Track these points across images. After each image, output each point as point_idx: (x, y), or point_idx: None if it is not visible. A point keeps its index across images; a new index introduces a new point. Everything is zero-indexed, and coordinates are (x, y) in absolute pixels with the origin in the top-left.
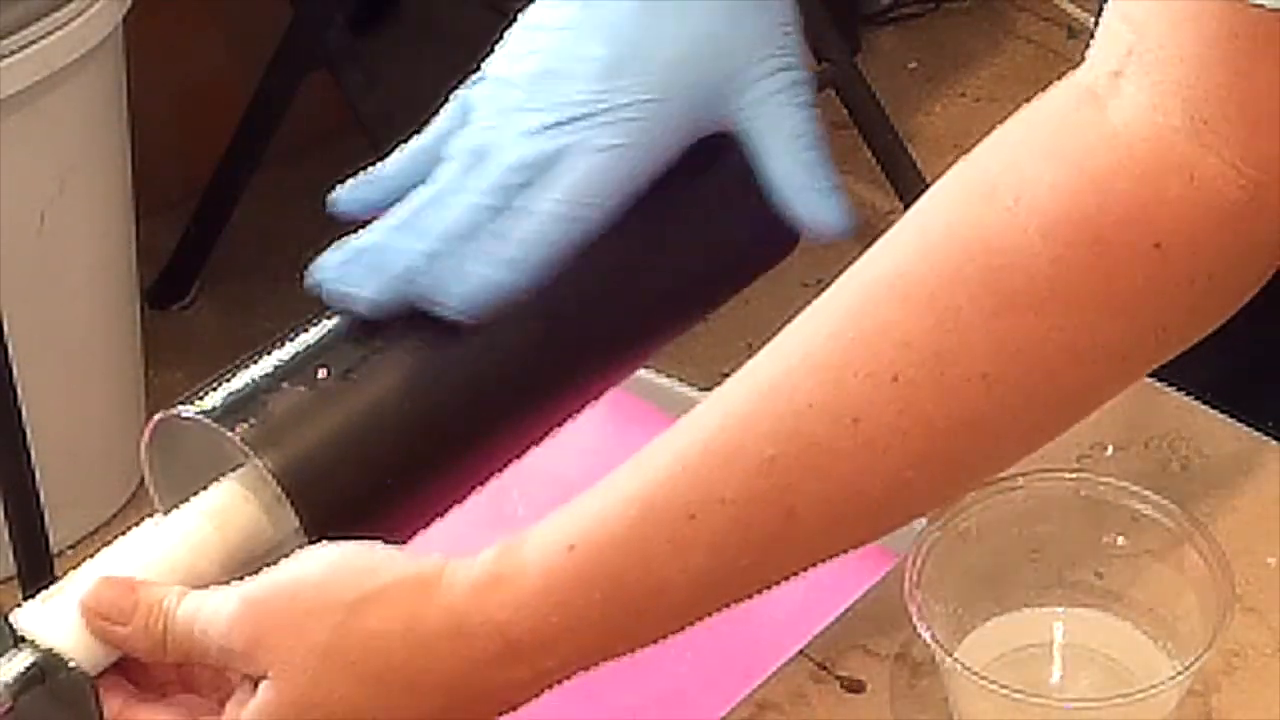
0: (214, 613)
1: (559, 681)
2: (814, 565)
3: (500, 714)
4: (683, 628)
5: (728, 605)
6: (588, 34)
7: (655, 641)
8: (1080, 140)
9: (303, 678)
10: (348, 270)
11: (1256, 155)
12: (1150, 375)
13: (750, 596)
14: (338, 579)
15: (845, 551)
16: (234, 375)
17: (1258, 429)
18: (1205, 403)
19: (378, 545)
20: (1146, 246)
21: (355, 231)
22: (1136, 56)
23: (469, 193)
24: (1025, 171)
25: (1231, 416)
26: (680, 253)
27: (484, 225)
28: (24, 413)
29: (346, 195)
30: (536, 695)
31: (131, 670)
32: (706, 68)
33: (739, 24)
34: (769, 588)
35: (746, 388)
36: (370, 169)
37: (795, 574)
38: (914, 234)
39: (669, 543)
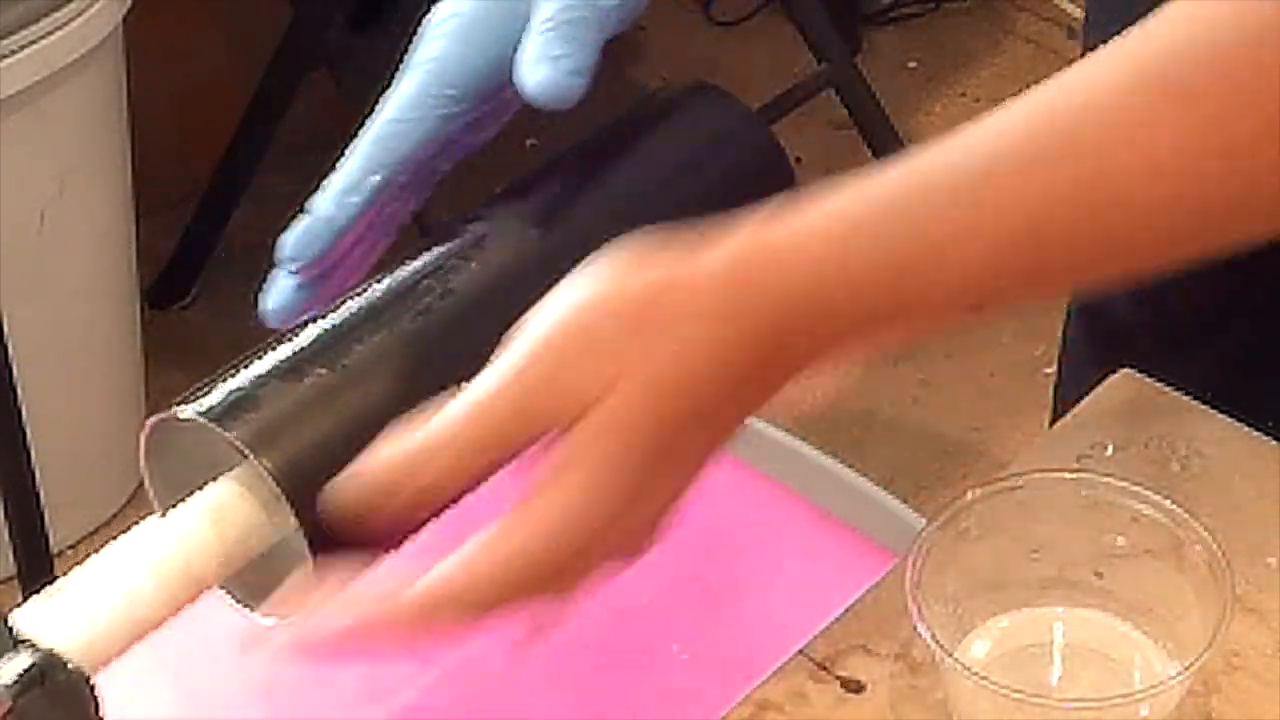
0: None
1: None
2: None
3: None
4: (943, 308)
5: (1006, 292)
6: None
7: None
8: None
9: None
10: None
11: None
12: (1150, 374)
13: (1028, 284)
14: (608, 275)
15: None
16: (231, 375)
17: (1258, 429)
18: (1205, 403)
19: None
20: None
21: None
22: None
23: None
24: None
25: (1231, 416)
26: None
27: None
28: (24, 413)
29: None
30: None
31: None
32: None
33: None
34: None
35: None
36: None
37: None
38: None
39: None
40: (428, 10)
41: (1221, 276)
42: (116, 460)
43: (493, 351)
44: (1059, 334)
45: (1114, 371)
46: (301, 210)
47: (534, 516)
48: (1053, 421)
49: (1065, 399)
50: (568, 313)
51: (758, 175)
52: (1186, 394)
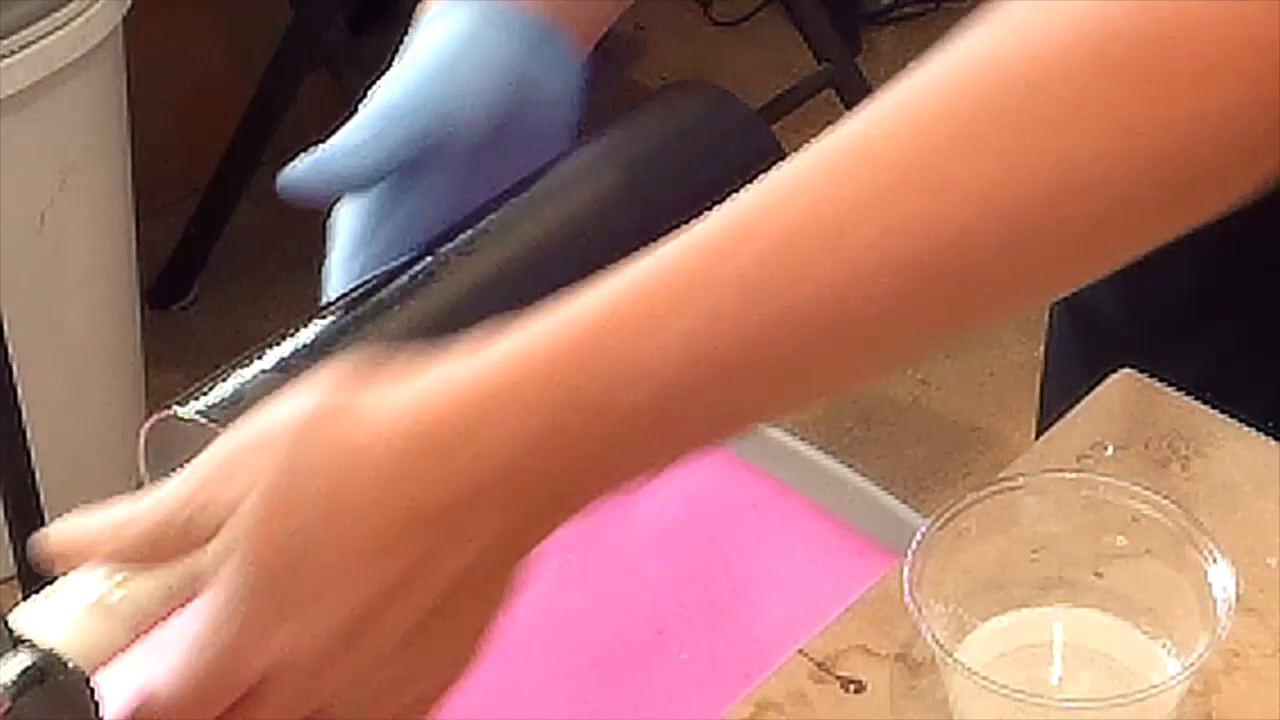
0: (174, 482)
1: (559, 505)
2: (797, 390)
3: (506, 526)
4: (649, 450)
5: (693, 434)
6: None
7: (623, 468)
8: None
9: (268, 500)
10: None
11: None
12: (1144, 370)
13: (724, 423)
14: (287, 405)
15: (836, 382)
16: (230, 374)
17: (1248, 424)
18: (1201, 400)
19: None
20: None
21: None
22: None
23: None
24: None
25: (1222, 411)
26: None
27: None
28: (24, 413)
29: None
30: (543, 512)
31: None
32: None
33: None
34: (745, 417)
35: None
36: None
37: (772, 402)
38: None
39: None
40: None
41: (1205, 272)
42: (116, 460)
43: None
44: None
45: (1103, 369)
46: (301, 211)
47: (189, 632)
48: (1040, 420)
49: (1051, 396)
50: (250, 427)
51: (757, 173)
52: (1180, 389)
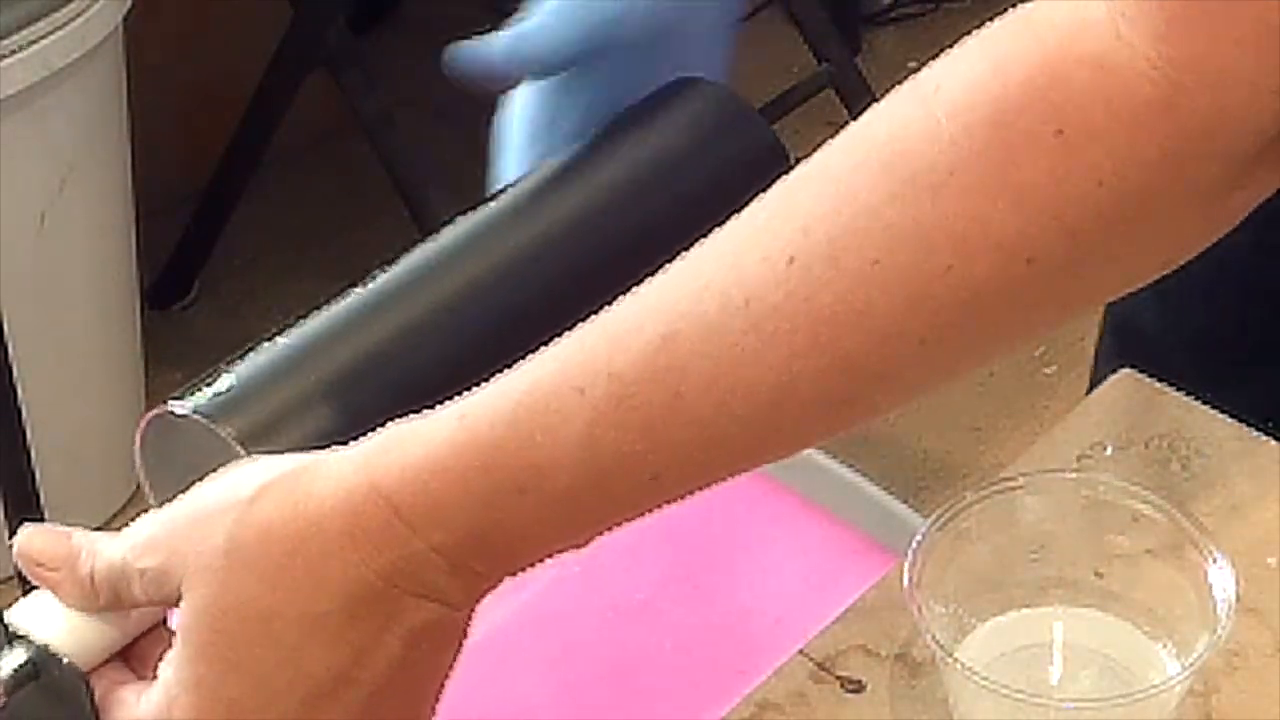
0: (131, 545)
1: (483, 586)
2: (700, 478)
3: (432, 613)
4: (575, 532)
5: (617, 512)
6: None
7: (553, 545)
8: (1002, 33)
9: (211, 586)
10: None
11: (1170, 52)
12: (1134, 366)
13: (638, 504)
14: (235, 482)
15: (732, 470)
16: (227, 371)
17: (1257, 427)
18: (1200, 399)
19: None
20: (1047, 133)
21: None
22: None
23: None
24: (949, 65)
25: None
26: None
27: None
28: (24, 413)
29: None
30: (466, 598)
31: (131, 659)
32: None
33: None
34: (656, 499)
35: (664, 271)
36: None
37: (681, 485)
38: (844, 131)
39: (553, 413)
40: (428, 11)
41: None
42: (116, 460)
43: (490, 353)
44: (1060, 335)
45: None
46: (300, 211)
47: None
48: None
49: None
50: (194, 499)
51: (758, 172)
52: (1173, 385)
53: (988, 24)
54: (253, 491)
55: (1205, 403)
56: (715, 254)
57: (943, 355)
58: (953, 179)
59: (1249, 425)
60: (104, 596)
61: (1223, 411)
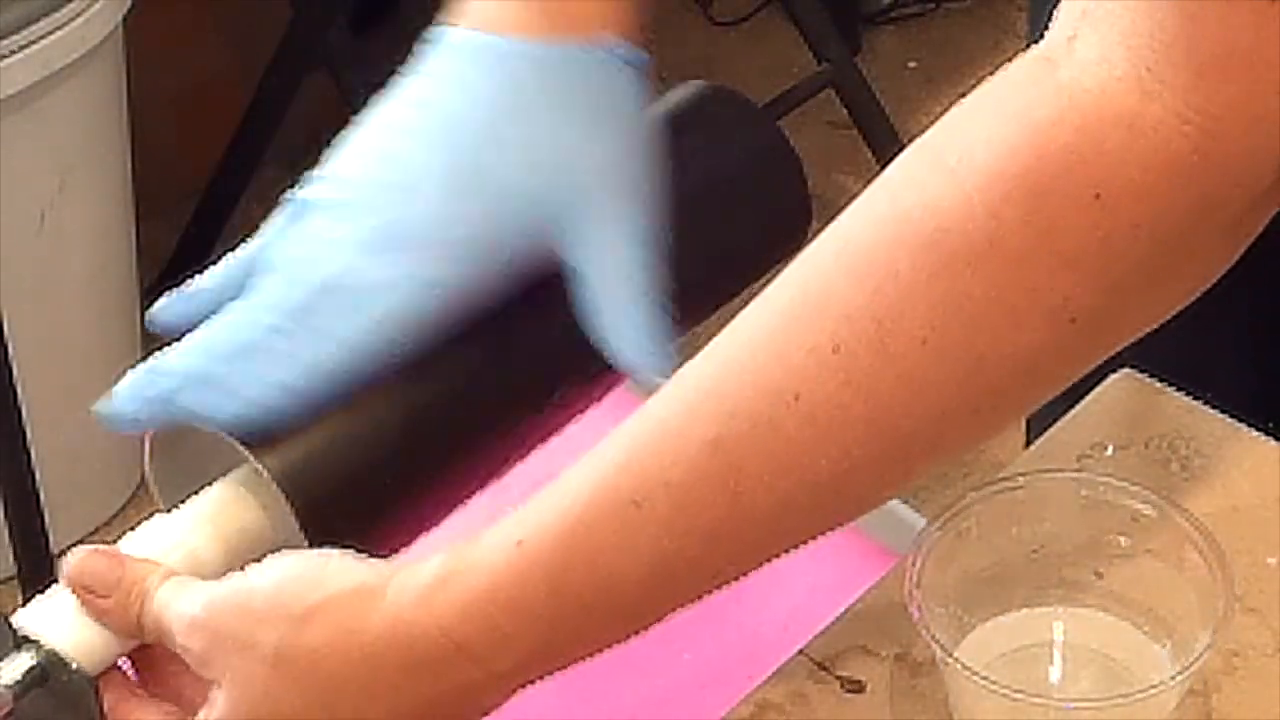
0: (178, 615)
1: (528, 683)
2: (768, 558)
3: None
4: (639, 628)
5: (682, 603)
6: (436, 143)
7: (613, 643)
8: (1023, 98)
9: (252, 690)
10: (121, 388)
11: (1202, 103)
12: (1134, 365)
13: (705, 593)
14: (286, 591)
15: (799, 544)
16: None
17: (1257, 427)
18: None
19: (335, 554)
20: (1086, 197)
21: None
22: (1089, 17)
23: (260, 311)
24: (969, 133)
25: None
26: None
27: (268, 347)
28: (24, 413)
29: (161, 310)
30: (506, 697)
31: (138, 667)
32: (546, 196)
33: (586, 149)
34: (723, 583)
35: (698, 371)
36: (189, 282)
37: (749, 568)
38: (862, 205)
39: (615, 533)
40: (428, 11)
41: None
42: (116, 460)
43: (495, 362)
44: None
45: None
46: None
47: None
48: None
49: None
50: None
51: (766, 170)
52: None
53: (987, 26)
54: (303, 611)
55: (1204, 401)
56: (755, 349)
57: (995, 420)
58: (994, 250)
59: (1249, 425)
60: (149, 638)
61: (1219, 405)
